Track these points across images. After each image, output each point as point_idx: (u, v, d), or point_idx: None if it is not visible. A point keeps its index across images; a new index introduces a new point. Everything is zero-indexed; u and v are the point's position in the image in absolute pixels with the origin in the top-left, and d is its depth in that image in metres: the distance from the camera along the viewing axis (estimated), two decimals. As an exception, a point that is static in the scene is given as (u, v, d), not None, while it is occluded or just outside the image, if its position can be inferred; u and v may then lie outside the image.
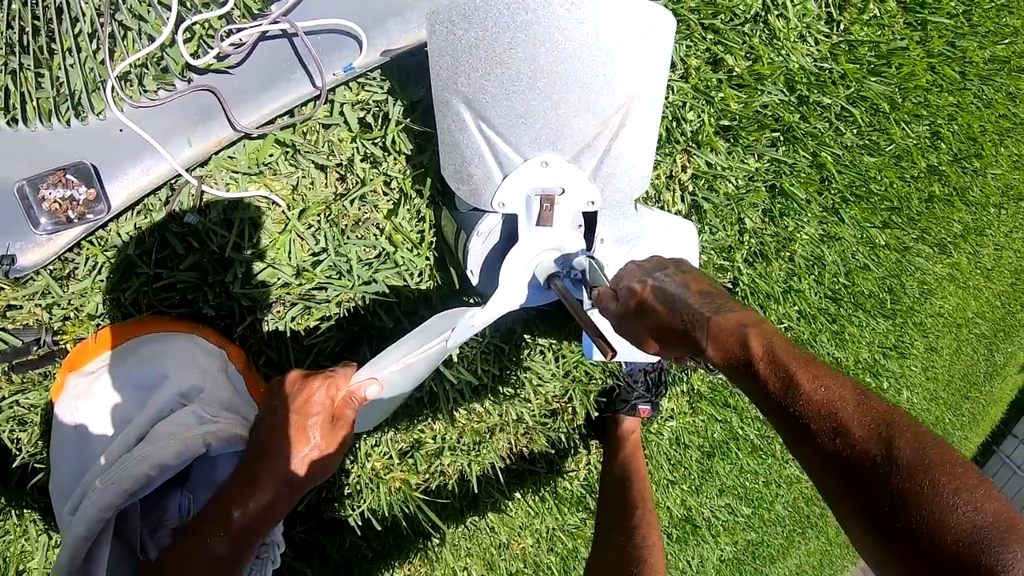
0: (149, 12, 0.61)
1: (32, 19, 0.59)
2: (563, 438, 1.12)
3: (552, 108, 0.62)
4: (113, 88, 0.61)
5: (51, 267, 0.66)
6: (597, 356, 0.88)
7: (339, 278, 0.76)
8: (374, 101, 0.70)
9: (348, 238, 0.76)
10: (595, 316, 0.64)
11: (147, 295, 0.70)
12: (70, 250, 0.66)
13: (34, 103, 0.61)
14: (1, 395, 0.72)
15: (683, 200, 0.98)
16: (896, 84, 1.12)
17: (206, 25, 0.63)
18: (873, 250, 1.29)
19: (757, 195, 1.05)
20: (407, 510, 1.01)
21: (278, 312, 0.76)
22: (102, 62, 0.61)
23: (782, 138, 1.04)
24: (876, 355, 1.59)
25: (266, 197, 0.70)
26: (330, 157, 0.71)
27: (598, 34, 0.57)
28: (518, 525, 1.22)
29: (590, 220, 0.79)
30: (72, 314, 0.69)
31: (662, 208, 0.98)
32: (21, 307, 0.67)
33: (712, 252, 1.05)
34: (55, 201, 0.63)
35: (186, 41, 0.62)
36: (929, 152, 1.29)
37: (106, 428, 0.63)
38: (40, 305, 0.67)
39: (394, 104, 0.70)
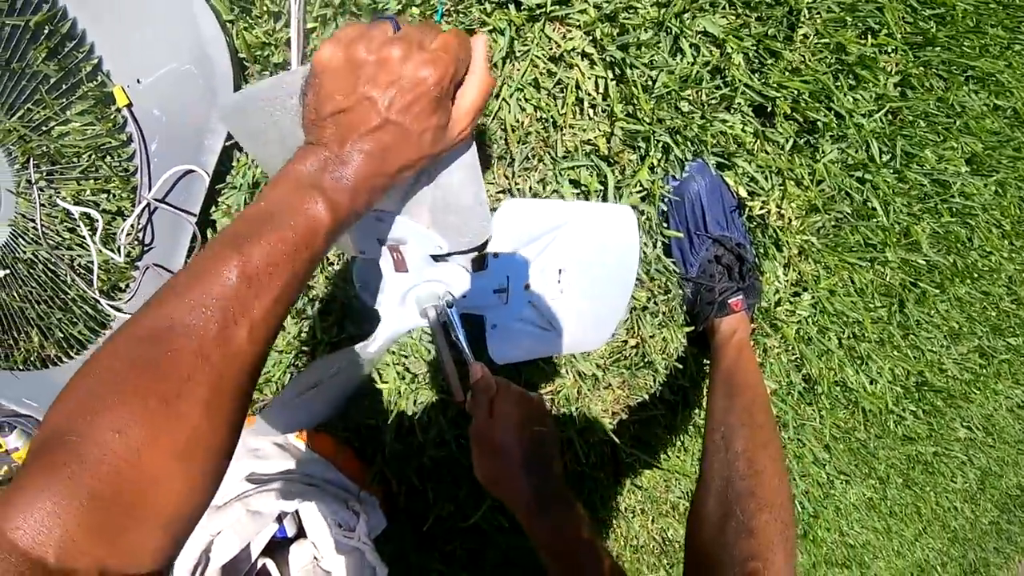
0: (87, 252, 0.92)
1: (44, 292, 0.95)
2: (660, 370, 1.07)
3: None
4: (105, 303, 0.93)
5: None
6: (500, 360, 0.87)
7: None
8: (232, 201, 0.88)
9: (302, 304, 0.95)
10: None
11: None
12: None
13: (79, 334, 0.97)
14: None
15: (596, 64, 0.87)
16: None
17: (115, 235, 0.90)
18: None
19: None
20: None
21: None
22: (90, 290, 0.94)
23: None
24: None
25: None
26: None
27: None
28: (689, 470, 1.17)
29: None
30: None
31: (579, 90, 0.89)
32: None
33: (683, 93, 0.89)
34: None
35: (118, 247, 0.91)
36: None
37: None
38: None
39: (242, 196, 0.86)
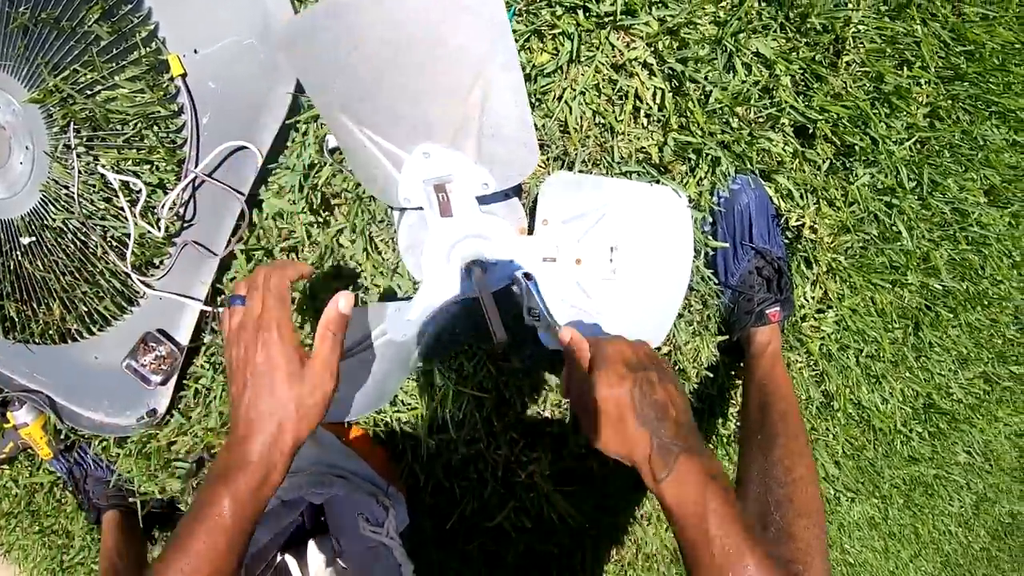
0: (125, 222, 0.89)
1: (72, 263, 0.92)
2: (692, 378, 1.09)
3: (409, 99, 0.68)
4: (136, 278, 0.91)
5: (177, 406, 1.00)
6: (550, 344, 0.87)
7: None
8: (285, 181, 0.87)
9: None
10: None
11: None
12: (180, 389, 0.99)
13: (104, 309, 0.94)
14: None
15: (655, 74, 0.91)
16: None
17: (154, 207, 0.88)
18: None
19: (751, 15, 0.91)
20: (555, 503, 1.11)
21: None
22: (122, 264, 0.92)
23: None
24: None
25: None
26: (290, 240, 0.91)
27: (419, 15, 0.61)
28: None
29: (533, 200, 0.83)
30: (206, 432, 1.01)
31: (638, 99, 0.93)
32: (176, 441, 1.02)
33: (734, 110, 0.94)
34: (151, 363, 0.95)
35: (157, 221, 0.89)
36: None
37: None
38: (183, 434, 1.01)
39: (296, 176, 0.86)
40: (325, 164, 0.86)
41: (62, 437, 1.02)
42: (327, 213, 0.90)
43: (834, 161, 1.01)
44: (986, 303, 1.16)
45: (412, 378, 0.98)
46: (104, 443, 1.04)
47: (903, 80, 0.97)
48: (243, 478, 0.54)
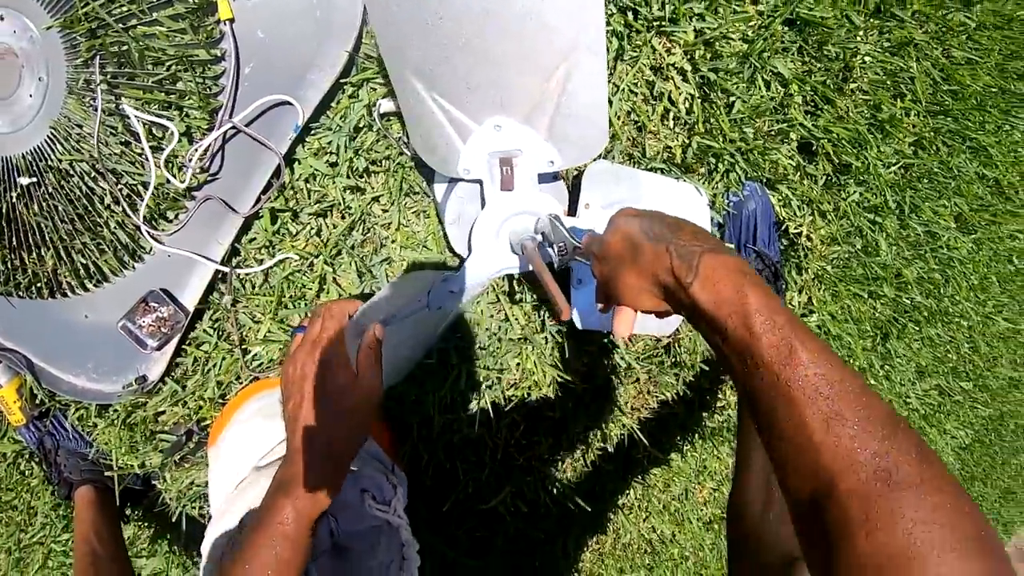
0: (142, 169, 0.84)
1: (74, 210, 0.86)
2: (687, 369, 1.15)
3: (492, 70, 0.70)
4: (145, 230, 0.86)
5: (172, 374, 0.94)
6: (583, 324, 0.91)
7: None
8: (327, 142, 0.86)
9: (372, 262, 0.93)
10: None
11: (242, 368, 0.95)
12: (178, 355, 0.93)
13: (104, 263, 0.88)
14: (184, 482, 1.02)
15: (688, 80, 0.97)
16: None
17: (178, 155, 0.84)
18: (968, 38, 1.08)
19: (776, 37, 0.99)
20: (550, 488, 1.13)
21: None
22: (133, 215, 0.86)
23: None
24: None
25: (284, 258, 0.90)
26: (321, 204, 0.89)
27: None
28: (690, 471, 1.26)
29: (576, 186, 0.86)
30: (200, 403, 0.96)
31: (670, 102, 0.98)
32: (165, 411, 0.96)
33: (753, 121, 1.01)
34: (150, 325, 0.89)
35: (180, 169, 0.85)
36: None
37: (227, 479, 0.86)
38: (176, 404, 0.95)
39: (342, 138, 0.85)
40: (371, 128, 0.85)
41: (37, 402, 0.93)
42: (364, 179, 0.89)
43: (831, 177, 1.10)
44: (946, 320, 1.30)
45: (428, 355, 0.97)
46: (80, 411, 0.96)
47: (897, 110, 1.08)
48: (303, 488, 0.56)
